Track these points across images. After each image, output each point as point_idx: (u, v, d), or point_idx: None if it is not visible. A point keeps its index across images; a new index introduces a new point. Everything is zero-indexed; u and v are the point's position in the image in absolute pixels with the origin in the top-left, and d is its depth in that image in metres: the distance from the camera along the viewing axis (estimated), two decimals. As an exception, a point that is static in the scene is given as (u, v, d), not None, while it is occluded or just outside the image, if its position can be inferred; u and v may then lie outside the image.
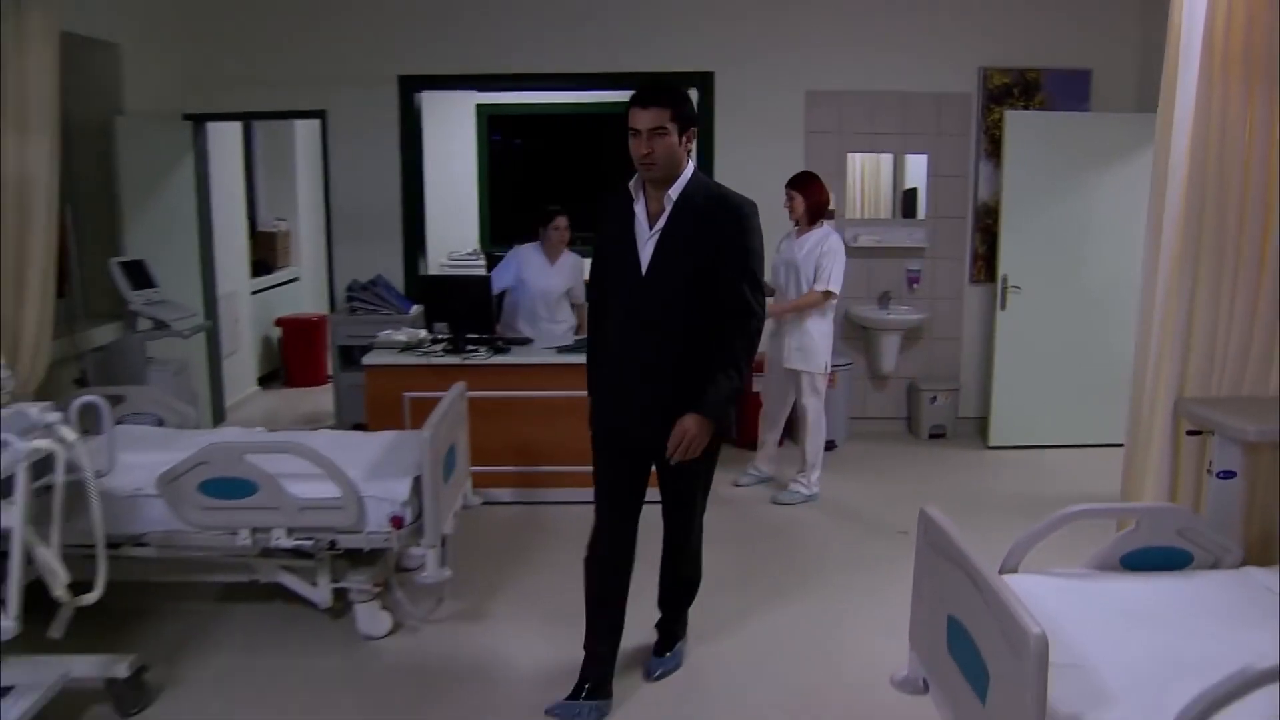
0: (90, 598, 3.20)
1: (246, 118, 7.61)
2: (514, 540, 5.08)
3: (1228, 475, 3.37)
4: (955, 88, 6.89)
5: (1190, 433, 3.49)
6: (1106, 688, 2.46)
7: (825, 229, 5.71)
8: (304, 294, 9.57)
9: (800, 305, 5.61)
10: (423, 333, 5.75)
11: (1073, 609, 2.87)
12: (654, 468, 3.52)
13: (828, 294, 5.57)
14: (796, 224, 5.75)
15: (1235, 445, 3.34)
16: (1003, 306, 6.72)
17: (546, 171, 9.39)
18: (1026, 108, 6.82)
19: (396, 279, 7.11)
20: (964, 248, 7.07)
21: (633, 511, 3.52)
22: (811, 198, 5.71)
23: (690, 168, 3.37)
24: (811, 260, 5.62)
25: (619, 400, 3.47)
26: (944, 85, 6.89)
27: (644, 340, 3.39)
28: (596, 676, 3.53)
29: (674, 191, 3.32)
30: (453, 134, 9.14)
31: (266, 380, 8.84)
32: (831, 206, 6.26)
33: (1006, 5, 6.79)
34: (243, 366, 8.23)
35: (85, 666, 3.49)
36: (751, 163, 6.64)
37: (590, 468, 3.54)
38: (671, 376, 3.36)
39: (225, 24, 6.92)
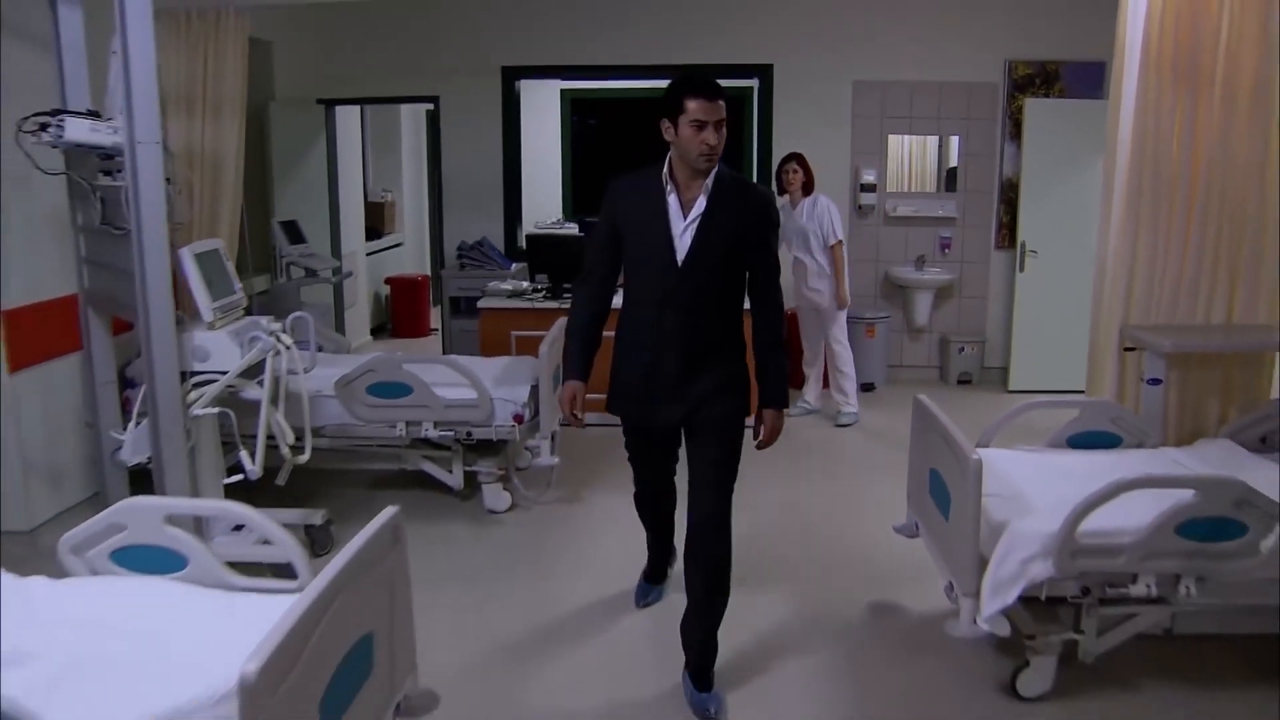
0: (303, 457, 4.39)
1: (371, 102, 8.81)
2: (603, 452, 6.21)
3: (1155, 382, 4.41)
4: (984, 78, 7.88)
5: (1127, 349, 4.52)
6: (1031, 506, 3.54)
7: (815, 195, 6.82)
8: (406, 257, 10.80)
9: (842, 265, 6.73)
10: (525, 284, 6.91)
11: (1023, 470, 3.94)
12: (686, 445, 3.61)
13: (839, 242, 6.71)
14: (789, 195, 6.86)
15: (1159, 358, 4.38)
16: (1021, 269, 7.73)
17: (620, 149, 10.44)
18: (1047, 95, 7.79)
19: (497, 241, 8.27)
20: (990, 217, 8.07)
21: (670, 473, 3.99)
22: (809, 172, 6.82)
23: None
24: (815, 221, 6.74)
25: (654, 384, 3.51)
26: (974, 75, 7.88)
27: (680, 327, 3.43)
28: (657, 565, 4.32)
29: (709, 182, 3.37)
30: (540, 116, 10.27)
31: (376, 332, 10.07)
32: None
33: (1030, 3, 7.76)
34: (359, 318, 9.46)
35: (290, 516, 4.71)
36: (805, 143, 7.67)
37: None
38: (706, 360, 3.47)
39: (353, 22, 8.09)
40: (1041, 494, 3.64)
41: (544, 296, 6.70)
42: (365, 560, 2.37)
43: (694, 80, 3.29)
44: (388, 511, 2.55)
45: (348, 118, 8.92)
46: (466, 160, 8.28)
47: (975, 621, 3.37)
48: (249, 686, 1.85)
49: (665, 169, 3.39)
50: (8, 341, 4.65)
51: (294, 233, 6.92)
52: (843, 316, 6.92)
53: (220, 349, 4.25)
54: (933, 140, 8.10)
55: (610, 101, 10.26)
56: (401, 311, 10.04)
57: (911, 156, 8.19)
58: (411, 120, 10.82)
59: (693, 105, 3.25)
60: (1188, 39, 4.39)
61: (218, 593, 2.67)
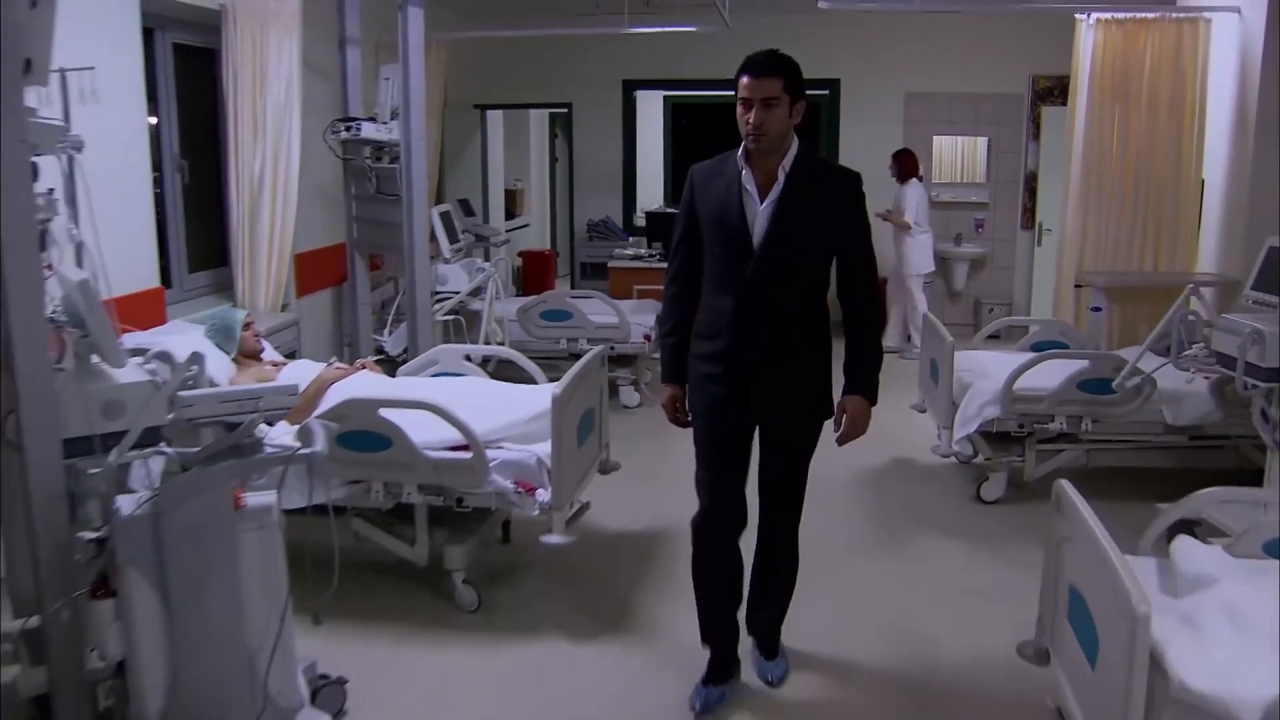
0: (504, 349, 6.45)
1: (519, 107, 10.90)
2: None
3: (1096, 309, 6.31)
4: (1012, 89, 9.74)
5: (1077, 285, 6.42)
6: (989, 375, 5.46)
7: (911, 183, 8.73)
8: (533, 235, 12.90)
9: (898, 222, 8.65)
10: (643, 250, 8.94)
11: (990, 359, 5.84)
12: (760, 444, 3.46)
13: (907, 223, 8.63)
14: (898, 179, 8.80)
15: (1100, 292, 6.27)
16: (1039, 244, 9.60)
17: (709, 146, 12.37)
18: (1062, 104, 9.62)
19: (617, 219, 10.32)
20: (1016, 203, 9.93)
21: (739, 485, 3.44)
22: (904, 164, 8.74)
23: (795, 140, 3.27)
24: (900, 202, 8.67)
25: (729, 377, 3.33)
26: (1004, 88, 9.74)
27: (759, 315, 3.26)
28: (719, 659, 3.57)
29: (786, 163, 3.22)
30: (648, 119, 12.29)
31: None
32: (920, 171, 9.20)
33: (1050, 27, 9.57)
34: (505, 280, 11.57)
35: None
36: (865, 144, 9.58)
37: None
38: (786, 353, 3.30)
39: (505, 43, 10.18)
40: (998, 370, 5.55)
41: (658, 259, 8.72)
42: (589, 366, 4.27)
43: (747, 58, 3.22)
44: (598, 350, 4.47)
45: (493, 120, 11.01)
46: (593, 154, 10.35)
47: (951, 446, 5.33)
48: (558, 398, 3.77)
49: (741, 150, 3.27)
50: (296, 277, 6.77)
51: (467, 209, 9.00)
52: (912, 279, 8.83)
53: (454, 276, 6.34)
54: (970, 140, 9.98)
55: (702, 106, 12.21)
56: (531, 277, 12.14)
57: (952, 153, 10.07)
58: (537, 122, 12.91)
59: (740, 83, 3.18)
60: (1121, 66, 6.29)
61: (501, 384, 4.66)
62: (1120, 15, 6.35)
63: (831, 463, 5.11)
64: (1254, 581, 2.81)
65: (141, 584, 2.84)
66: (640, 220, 10.14)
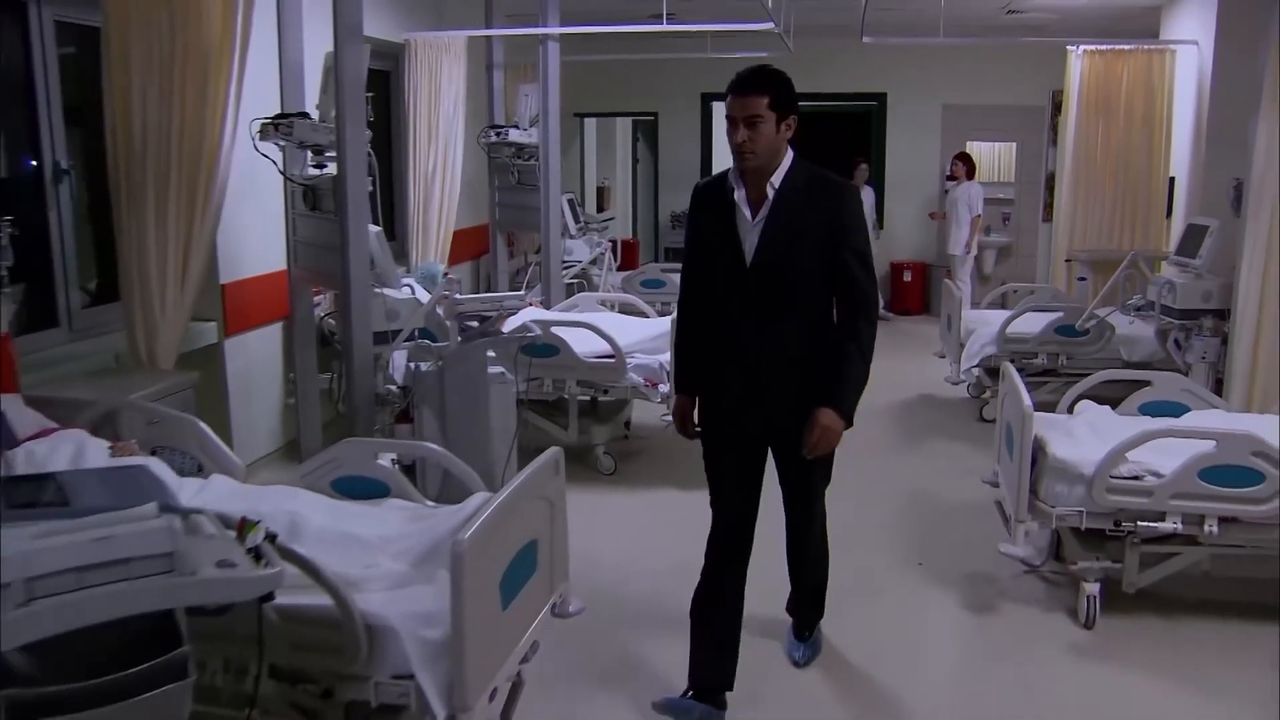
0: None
1: (610, 116, 12.73)
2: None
3: (1082, 279, 7.99)
4: (1035, 102, 11.38)
5: (1067, 260, 8.11)
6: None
7: (970, 182, 10.41)
8: (618, 226, 14.73)
9: (976, 230, 10.35)
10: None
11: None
12: (775, 462, 3.51)
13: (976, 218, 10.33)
14: (955, 180, 10.46)
15: (1086, 265, 7.96)
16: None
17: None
18: (1078, 115, 11.28)
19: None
20: (1038, 200, 11.59)
21: (753, 505, 3.47)
22: (967, 165, 10.43)
23: (790, 154, 3.26)
24: (965, 199, 10.34)
25: (736, 394, 3.38)
26: (1028, 100, 11.39)
27: (756, 332, 3.30)
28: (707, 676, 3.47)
29: (776, 179, 3.21)
30: (721, 125, 14.06)
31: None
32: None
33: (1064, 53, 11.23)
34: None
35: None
36: (909, 150, 11.30)
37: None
38: (789, 369, 3.31)
39: (599, 59, 11.99)
40: (996, 321, 7.20)
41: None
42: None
43: (735, 76, 3.23)
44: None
45: (588, 127, 12.85)
46: (675, 155, 12.18)
47: (959, 376, 7.04)
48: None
49: (735, 169, 3.30)
50: (451, 251, 8.58)
51: (573, 205, 10.87)
52: (969, 261, 10.51)
53: (578, 249, 8.19)
54: (999, 145, 11.66)
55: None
56: (623, 258, 13.95)
57: (984, 157, 11.74)
58: (623, 130, 14.75)
59: (727, 101, 3.21)
60: (1104, 87, 7.99)
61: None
62: (1103, 47, 8.03)
63: (871, 391, 6.86)
64: (1117, 419, 4.55)
65: (429, 415, 4.66)
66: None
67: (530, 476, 3.01)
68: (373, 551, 3.08)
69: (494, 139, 8.03)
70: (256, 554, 2.32)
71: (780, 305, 3.30)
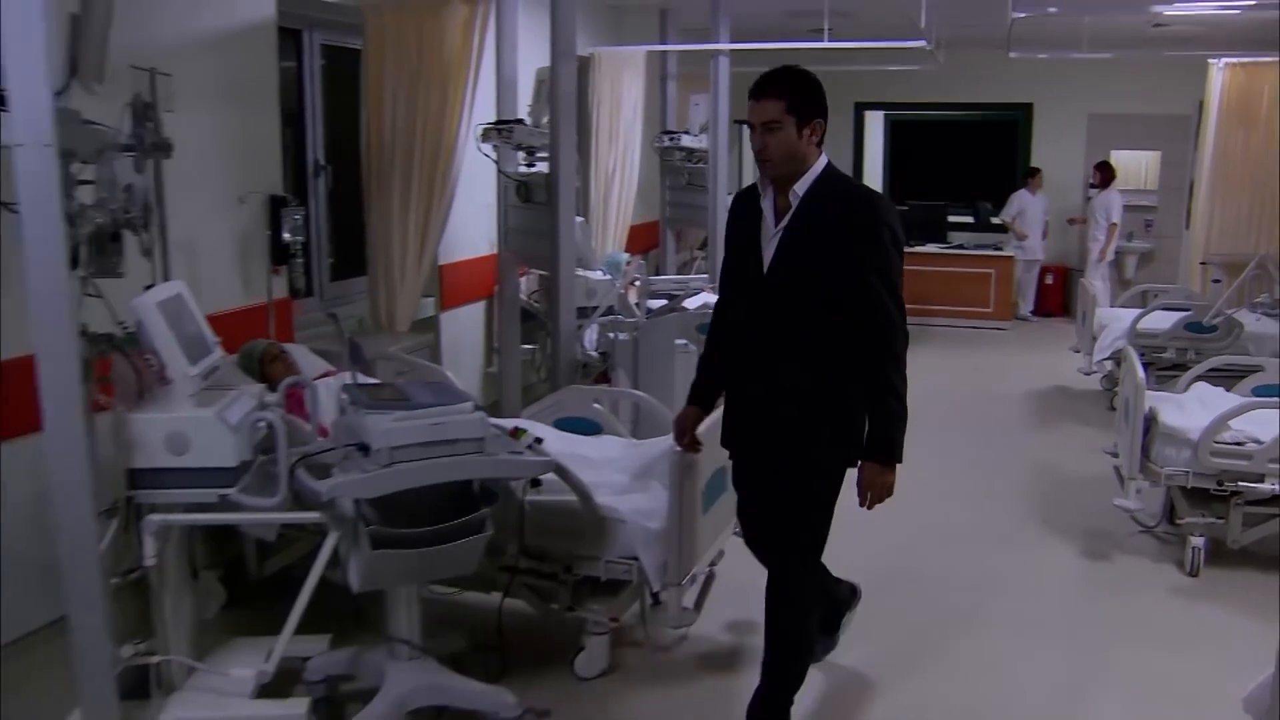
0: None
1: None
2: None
3: (1216, 281, 8.47)
4: (1180, 111, 11.74)
5: (1202, 263, 8.59)
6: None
7: (1109, 190, 10.89)
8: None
9: (1113, 237, 10.84)
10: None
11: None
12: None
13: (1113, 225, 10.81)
14: (1095, 187, 10.95)
15: (1219, 267, 8.43)
16: (1199, 240, 11.63)
17: (921, 156, 14.73)
18: (1224, 125, 11.62)
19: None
20: (1181, 206, 11.94)
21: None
22: (1107, 173, 10.92)
23: (821, 161, 3.10)
24: (1103, 206, 10.82)
25: (742, 410, 3.27)
26: (1173, 109, 11.76)
27: (768, 346, 3.15)
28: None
29: (800, 186, 3.05)
30: (871, 132, 14.72)
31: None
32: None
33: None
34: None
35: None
36: (1054, 158, 11.80)
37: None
38: (799, 390, 3.11)
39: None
40: (1129, 318, 7.73)
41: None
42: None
43: (755, 81, 3.11)
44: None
45: (748, 133, 13.61)
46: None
47: (1091, 366, 7.61)
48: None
49: (763, 175, 3.17)
50: (626, 244, 9.45)
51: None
52: (1102, 267, 10.98)
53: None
54: (1142, 154, 12.07)
55: (916, 123, 14.47)
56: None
57: (1128, 165, 12.15)
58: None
59: (748, 106, 3.11)
60: (1245, 98, 8.46)
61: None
62: (1244, 60, 8.50)
63: (1005, 383, 7.41)
64: (1225, 395, 5.16)
65: (624, 377, 5.52)
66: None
67: (713, 425, 3.52)
68: (599, 468, 3.94)
69: (667, 144, 8.89)
70: (527, 451, 3.26)
71: (793, 319, 3.10)
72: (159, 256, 3.74)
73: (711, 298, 7.34)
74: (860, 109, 12.78)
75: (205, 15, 4.68)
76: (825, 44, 7.85)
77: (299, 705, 3.24)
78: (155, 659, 3.21)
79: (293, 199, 5.06)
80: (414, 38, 5.51)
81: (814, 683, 3.65)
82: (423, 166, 5.60)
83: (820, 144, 3.12)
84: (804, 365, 3.10)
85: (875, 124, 13.99)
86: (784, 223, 3.08)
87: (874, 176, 13.99)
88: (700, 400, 3.40)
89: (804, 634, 3.34)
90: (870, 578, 4.14)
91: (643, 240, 9.73)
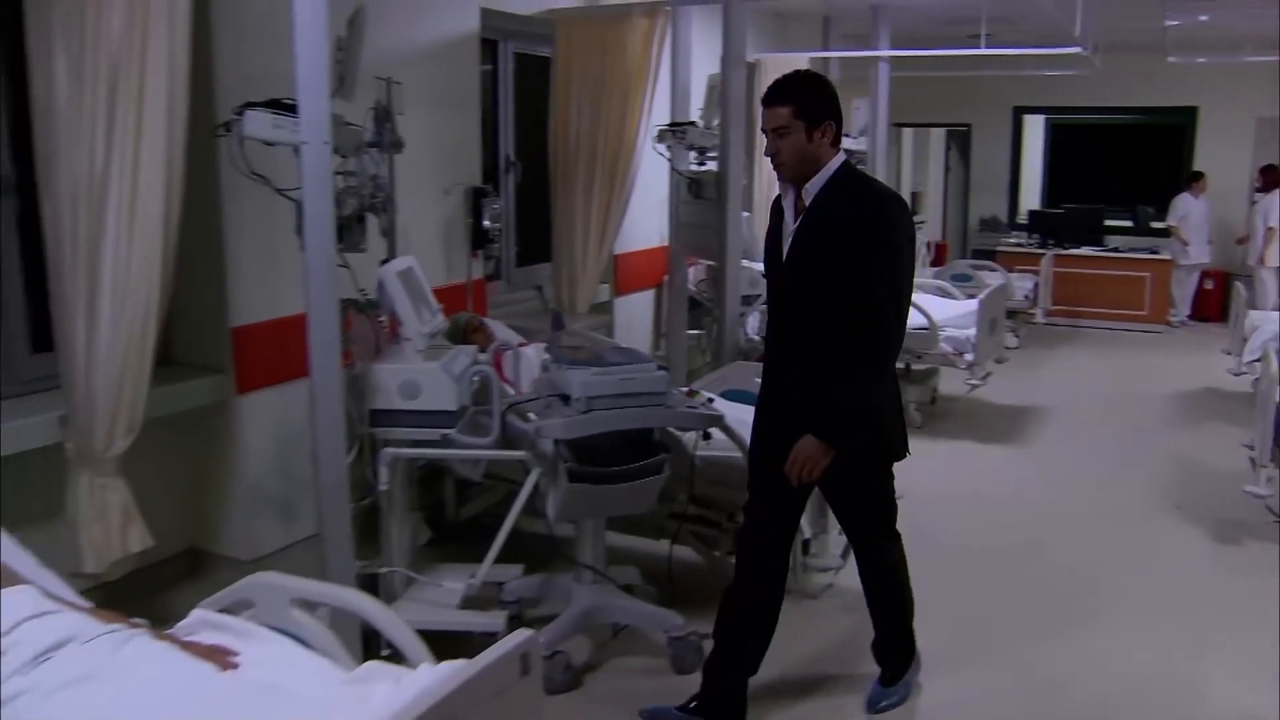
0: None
1: (925, 126, 13.79)
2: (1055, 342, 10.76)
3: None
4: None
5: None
6: None
7: (1274, 192, 10.86)
8: (929, 230, 15.68)
9: (1272, 240, 10.83)
10: (1024, 239, 11.60)
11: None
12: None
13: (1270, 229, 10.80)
14: (1260, 191, 10.96)
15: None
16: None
17: (1081, 159, 14.76)
18: (1399, 131, 11.44)
19: (1001, 215, 13.02)
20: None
21: (780, 523, 3.41)
22: (1270, 176, 10.91)
23: (837, 161, 3.20)
24: (1266, 209, 10.82)
25: (767, 405, 3.43)
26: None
27: (787, 338, 3.32)
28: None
29: (813, 185, 3.17)
30: (1030, 135, 14.81)
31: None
32: None
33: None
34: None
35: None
36: (1220, 162, 11.79)
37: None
38: (817, 384, 3.20)
39: (919, 75, 13.06)
40: (1286, 322, 7.88)
41: (1035, 246, 11.34)
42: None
43: (769, 87, 3.23)
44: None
45: (905, 137, 13.93)
46: (987, 165, 13.11)
47: (1240, 367, 7.76)
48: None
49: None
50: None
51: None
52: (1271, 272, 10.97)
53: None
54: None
55: (1076, 126, 14.52)
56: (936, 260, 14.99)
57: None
58: (936, 138, 15.73)
59: (761, 114, 3.23)
60: None
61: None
62: None
63: (1154, 383, 7.62)
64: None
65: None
66: (1023, 218, 12.81)
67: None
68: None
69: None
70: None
71: (806, 313, 3.25)
72: (392, 236, 4.39)
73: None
74: (1019, 113, 12.96)
75: (423, 29, 5.34)
76: (981, 50, 8.14)
77: (498, 618, 3.83)
78: (383, 570, 3.85)
79: (491, 190, 5.68)
80: (598, 47, 6.09)
81: (940, 635, 4.10)
82: (603, 164, 6.17)
83: (835, 143, 3.22)
84: (828, 355, 3.19)
85: (1035, 128, 14.14)
86: (799, 220, 3.24)
87: (1032, 179, 14.16)
88: None
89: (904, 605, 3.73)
90: (1001, 551, 4.57)
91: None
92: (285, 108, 3.27)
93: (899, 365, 7.18)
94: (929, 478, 6.14)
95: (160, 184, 3.29)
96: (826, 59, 9.45)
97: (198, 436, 4.41)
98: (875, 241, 3.11)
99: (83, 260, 3.24)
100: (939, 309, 7.22)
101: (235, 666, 2.34)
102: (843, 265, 3.11)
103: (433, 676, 2.08)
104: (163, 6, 3.19)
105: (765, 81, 8.89)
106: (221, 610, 2.61)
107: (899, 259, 3.17)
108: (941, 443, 6.90)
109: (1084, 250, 11.60)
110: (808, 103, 3.16)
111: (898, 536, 3.63)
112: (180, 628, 2.57)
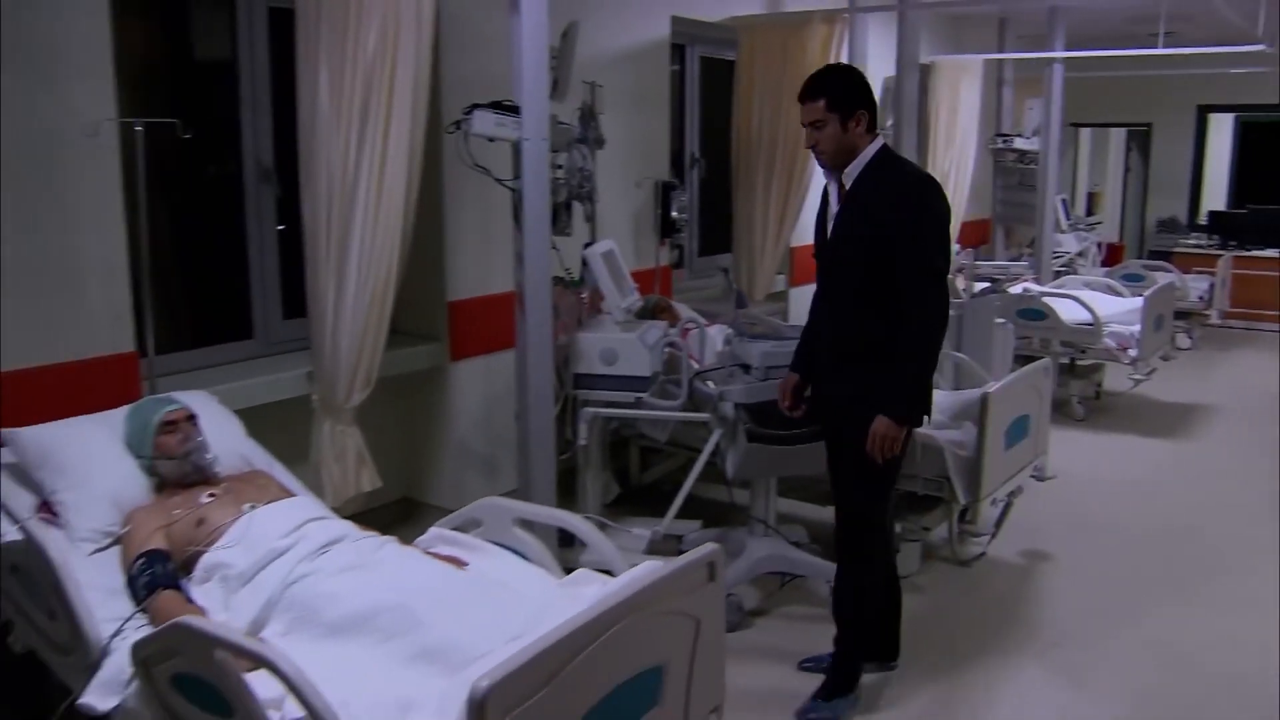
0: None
1: (1104, 126, 13.73)
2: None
3: None
4: None
5: None
6: None
7: None
8: (1105, 230, 15.56)
9: None
10: (1204, 240, 11.51)
11: None
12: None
13: None
14: None
15: None
16: None
17: (1273, 156, 14.42)
18: None
19: (1181, 216, 12.89)
20: None
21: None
22: None
23: (874, 146, 3.37)
24: None
25: (817, 379, 3.62)
26: None
27: (830, 316, 3.52)
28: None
29: (851, 170, 3.35)
30: (1217, 134, 14.56)
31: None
32: None
33: None
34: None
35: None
36: None
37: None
38: (855, 360, 3.42)
39: (1097, 76, 13.02)
40: None
41: (1215, 247, 11.25)
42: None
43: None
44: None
45: (1082, 136, 13.88)
46: (1169, 164, 13.00)
47: None
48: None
49: None
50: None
51: (1065, 205, 12.09)
52: None
53: (1066, 242, 9.46)
54: None
55: (1268, 124, 14.18)
56: (1107, 260, 14.80)
57: None
58: (1115, 138, 15.58)
59: (800, 109, 3.40)
60: None
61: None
62: None
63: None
64: None
65: (948, 344, 6.29)
66: (1204, 219, 12.66)
67: (1022, 375, 4.65)
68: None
69: (1000, 145, 9.52)
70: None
71: (848, 291, 3.44)
72: (594, 222, 4.91)
73: (1033, 286, 8.00)
74: (1203, 111, 12.80)
75: (620, 36, 5.84)
76: (1162, 51, 8.18)
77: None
78: (579, 516, 4.35)
79: (677, 184, 6.16)
80: (779, 51, 6.50)
81: (1084, 604, 4.44)
82: (782, 161, 6.58)
83: (871, 129, 3.37)
84: (867, 333, 3.38)
85: (1222, 126, 13.92)
86: (842, 204, 3.42)
87: (1216, 179, 13.92)
88: (800, 368, 3.72)
89: (871, 594, 3.69)
90: (1153, 534, 4.93)
91: (974, 236, 10.37)
92: (506, 109, 3.78)
93: (1064, 360, 7.47)
94: (1089, 466, 6.40)
95: (403, 175, 3.84)
96: (1001, 61, 9.65)
97: (416, 397, 5.01)
98: (914, 219, 3.27)
99: (335, 240, 3.80)
100: (1105, 305, 7.40)
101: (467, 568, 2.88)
102: (886, 245, 3.27)
103: (634, 573, 2.56)
104: (411, 29, 3.74)
105: (939, 83, 9.20)
106: (454, 529, 3.15)
107: (938, 239, 3.34)
108: (1103, 435, 7.09)
109: (1267, 252, 11.44)
110: (840, 95, 3.32)
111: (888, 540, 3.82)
112: (420, 541, 3.11)
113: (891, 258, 3.26)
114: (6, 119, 3.32)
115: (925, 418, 3.51)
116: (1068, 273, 9.74)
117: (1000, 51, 9.53)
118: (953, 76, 9.17)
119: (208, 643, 2.22)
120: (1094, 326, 7.06)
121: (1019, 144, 9.44)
